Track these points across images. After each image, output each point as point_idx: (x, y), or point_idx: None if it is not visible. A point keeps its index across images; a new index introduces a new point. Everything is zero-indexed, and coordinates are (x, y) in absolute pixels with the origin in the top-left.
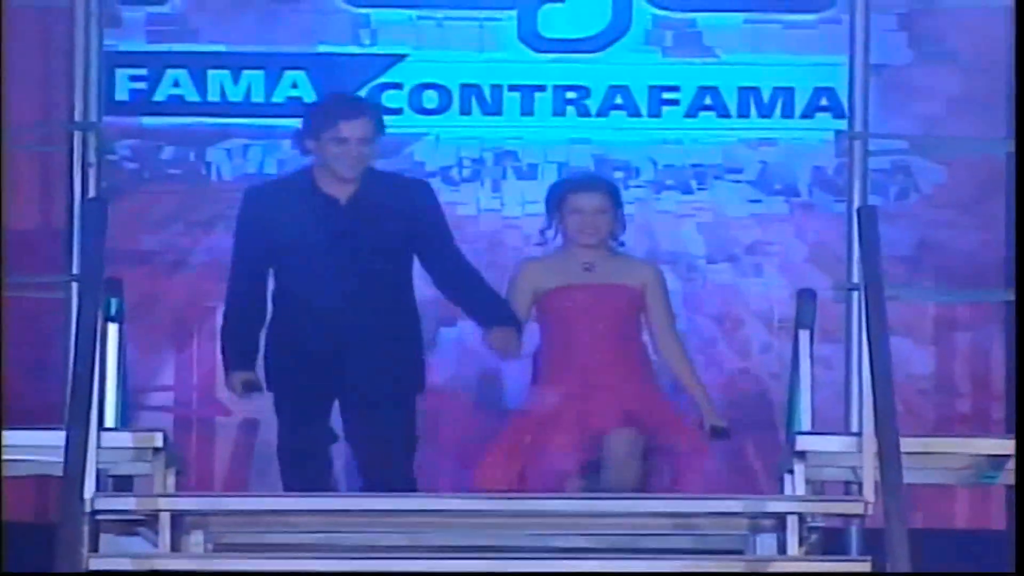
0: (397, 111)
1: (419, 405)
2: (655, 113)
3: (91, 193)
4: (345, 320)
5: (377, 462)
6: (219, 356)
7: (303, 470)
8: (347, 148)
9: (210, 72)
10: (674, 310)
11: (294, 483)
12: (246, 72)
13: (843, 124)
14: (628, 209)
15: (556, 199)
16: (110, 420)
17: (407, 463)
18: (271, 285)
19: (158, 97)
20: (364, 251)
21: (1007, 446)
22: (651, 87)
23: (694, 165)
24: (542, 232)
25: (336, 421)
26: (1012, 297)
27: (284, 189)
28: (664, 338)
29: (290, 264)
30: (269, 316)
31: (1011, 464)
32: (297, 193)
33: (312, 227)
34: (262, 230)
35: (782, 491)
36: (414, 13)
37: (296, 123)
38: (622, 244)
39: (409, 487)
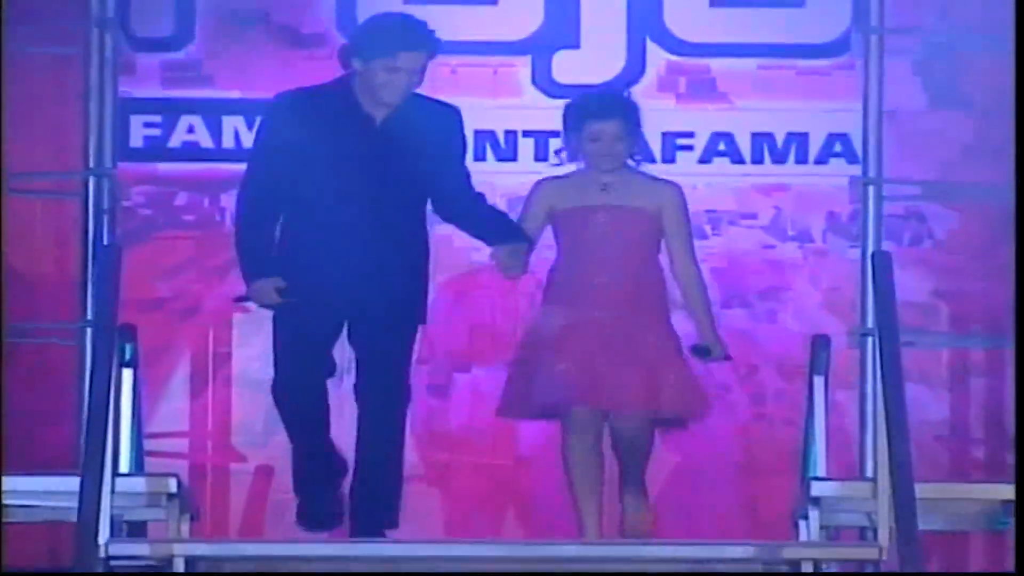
0: None
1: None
2: (669, 159)
3: (105, 239)
4: (363, 246)
5: (379, 382)
6: (234, 396)
7: (300, 405)
8: (398, 76)
9: (225, 118)
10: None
11: (291, 418)
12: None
13: (857, 170)
14: None
15: (573, 122)
16: (124, 466)
17: (406, 383)
18: (286, 203)
19: (173, 143)
20: (391, 176)
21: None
22: (665, 133)
23: (708, 210)
24: (557, 153)
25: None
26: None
27: (320, 100)
28: (679, 261)
29: (313, 178)
30: (280, 231)
31: None
32: (333, 106)
33: (344, 144)
34: (291, 137)
35: (797, 537)
36: None
37: None
38: (638, 162)
39: (404, 401)
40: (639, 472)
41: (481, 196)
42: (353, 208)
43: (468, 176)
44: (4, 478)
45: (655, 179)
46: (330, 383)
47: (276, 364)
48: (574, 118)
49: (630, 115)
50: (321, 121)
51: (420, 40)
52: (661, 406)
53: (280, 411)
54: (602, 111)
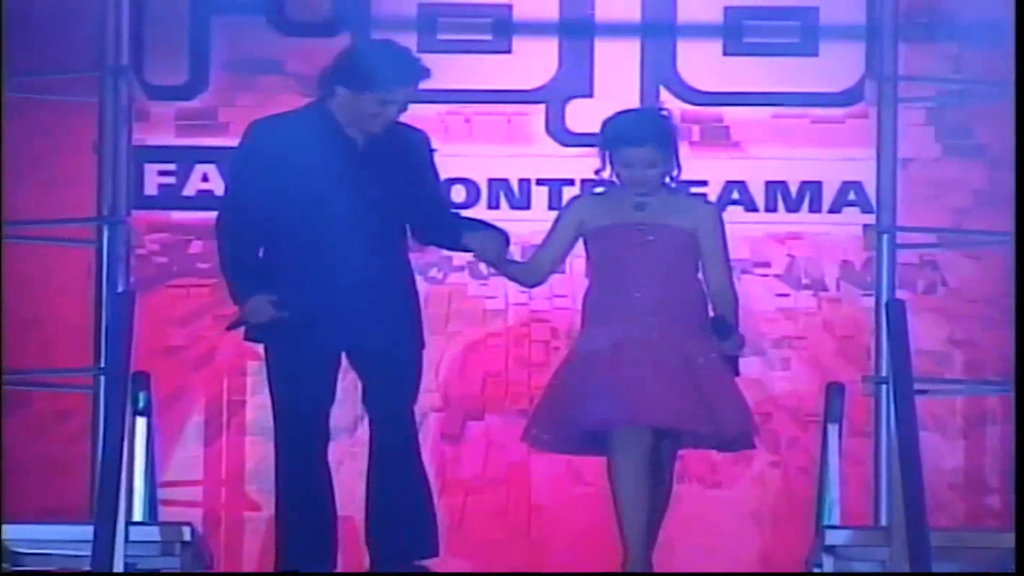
0: None
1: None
2: None
3: (120, 287)
4: (354, 272)
5: (392, 409)
6: (247, 444)
7: (302, 443)
8: (390, 109)
9: None
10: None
11: (291, 462)
12: None
13: (871, 218)
14: None
15: (606, 143)
16: (138, 514)
17: (412, 408)
18: (269, 229)
19: (187, 191)
20: (375, 200)
21: None
22: (679, 181)
23: None
24: (597, 172)
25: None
26: None
27: (297, 124)
28: (715, 281)
29: (295, 204)
30: (264, 260)
31: None
32: (313, 130)
33: (327, 168)
34: (270, 164)
35: None
36: (442, 108)
37: None
38: (675, 180)
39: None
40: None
41: (457, 212)
42: (340, 234)
43: (446, 195)
44: (17, 527)
45: (692, 197)
46: (343, 432)
47: (276, 395)
48: (608, 140)
49: (663, 138)
50: (301, 146)
51: (415, 74)
52: (711, 426)
53: (278, 444)
54: (634, 137)
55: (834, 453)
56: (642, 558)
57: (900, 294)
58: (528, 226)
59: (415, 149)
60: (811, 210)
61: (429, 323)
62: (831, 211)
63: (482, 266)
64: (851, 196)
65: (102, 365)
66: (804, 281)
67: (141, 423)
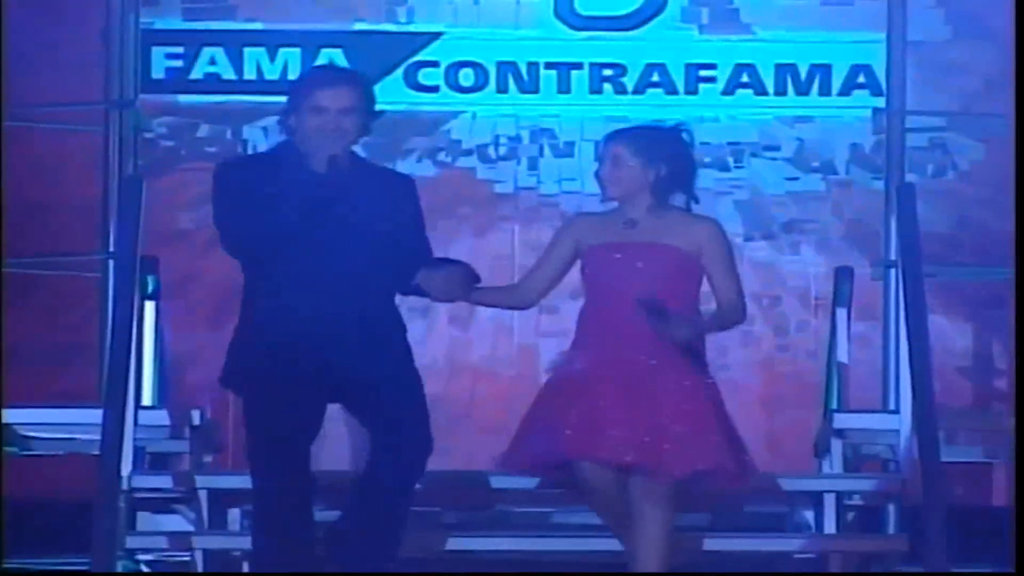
0: (434, 89)
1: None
2: (692, 91)
3: (128, 171)
4: (330, 316)
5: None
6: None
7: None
8: (326, 119)
9: (247, 50)
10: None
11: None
12: (283, 50)
13: (881, 101)
14: None
15: (598, 152)
16: (147, 398)
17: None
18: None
19: (194, 75)
20: (348, 237)
21: None
22: (688, 65)
23: (731, 143)
24: (596, 173)
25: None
26: None
27: (264, 162)
28: (726, 300)
29: (269, 245)
30: (243, 309)
31: None
32: (279, 165)
33: (293, 200)
34: (241, 202)
35: (819, 469)
36: None
37: None
38: (665, 199)
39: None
40: (656, 550)
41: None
42: (313, 273)
43: (428, 244)
44: (27, 410)
45: (692, 216)
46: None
47: (256, 442)
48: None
49: (641, 142)
50: (269, 182)
51: (339, 78)
52: (686, 467)
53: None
54: (614, 134)
55: (843, 337)
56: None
57: (909, 178)
58: (537, 109)
59: (396, 195)
60: (821, 93)
61: (439, 208)
62: (841, 94)
63: (490, 150)
64: (861, 79)
65: (111, 250)
66: (813, 164)
67: (150, 307)
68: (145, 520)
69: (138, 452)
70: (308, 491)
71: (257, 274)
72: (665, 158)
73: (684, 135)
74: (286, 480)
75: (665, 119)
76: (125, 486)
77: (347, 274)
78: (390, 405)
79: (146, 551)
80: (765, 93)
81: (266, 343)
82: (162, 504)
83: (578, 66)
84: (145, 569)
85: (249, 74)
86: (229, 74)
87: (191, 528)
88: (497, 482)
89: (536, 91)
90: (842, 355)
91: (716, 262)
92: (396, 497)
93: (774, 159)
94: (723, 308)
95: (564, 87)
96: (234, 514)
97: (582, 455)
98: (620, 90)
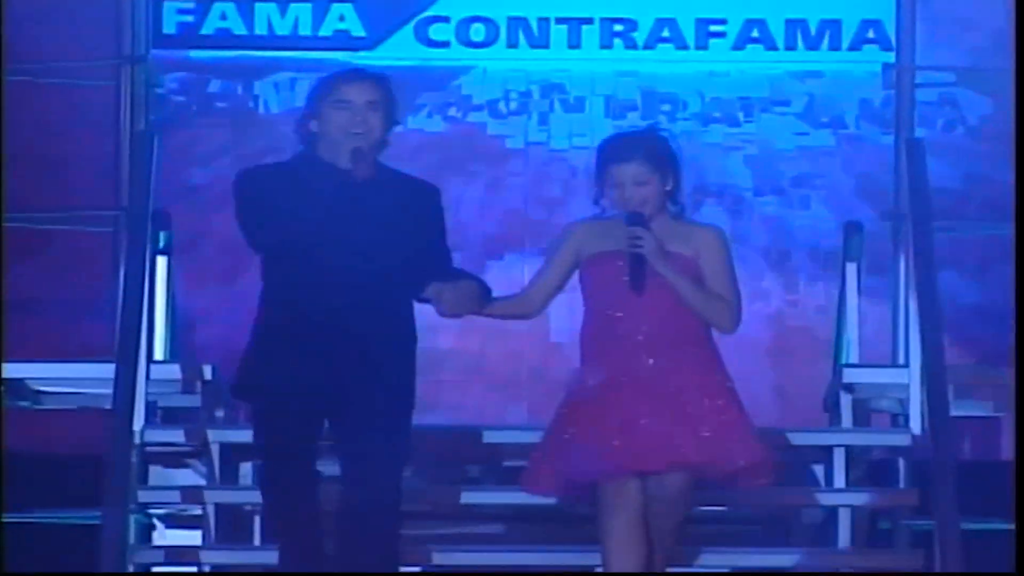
0: (444, 44)
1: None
2: (702, 45)
3: (140, 126)
4: (353, 324)
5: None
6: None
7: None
8: (352, 112)
9: (257, 5)
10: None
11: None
12: (293, 5)
13: (890, 56)
14: None
15: (599, 166)
16: (159, 352)
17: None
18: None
19: (206, 30)
20: (371, 246)
21: None
22: (698, 20)
23: (741, 98)
24: (596, 202)
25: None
26: None
27: (285, 171)
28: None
29: (289, 252)
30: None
31: None
32: (302, 173)
33: (319, 207)
34: (262, 210)
35: (829, 423)
36: None
37: (345, 56)
38: (682, 208)
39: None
40: (672, 538)
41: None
42: (336, 282)
43: (449, 255)
44: (39, 365)
45: (694, 224)
46: None
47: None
48: (598, 160)
49: (657, 157)
50: (291, 190)
51: (362, 72)
52: (716, 461)
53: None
54: (622, 154)
55: (852, 291)
56: None
57: (919, 132)
58: (547, 64)
59: (421, 203)
60: (831, 48)
61: (449, 164)
62: (851, 49)
63: (501, 106)
64: (871, 34)
65: (123, 205)
66: (823, 119)
67: (162, 262)
68: (157, 474)
69: (150, 407)
70: (313, 495)
71: (275, 280)
72: (675, 166)
73: (671, 138)
74: (291, 488)
75: (641, 125)
76: (137, 440)
77: (365, 282)
78: (380, 419)
79: (158, 505)
80: (775, 48)
81: (277, 353)
82: (174, 458)
83: (588, 21)
84: (157, 523)
85: (260, 29)
86: (240, 29)
87: (203, 482)
88: (492, 436)
89: (546, 46)
90: (852, 310)
91: (713, 267)
92: (384, 514)
93: (784, 114)
94: (714, 299)
95: (574, 42)
96: (246, 468)
97: (602, 473)
98: (630, 45)
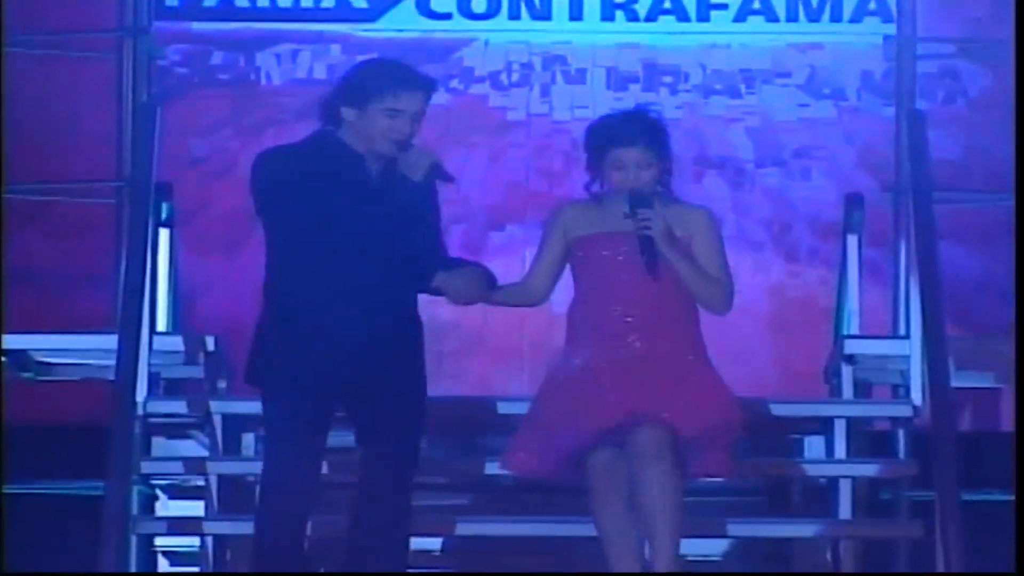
0: (446, 16)
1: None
2: (704, 17)
3: (142, 98)
4: (363, 313)
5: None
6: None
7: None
8: (400, 121)
9: None
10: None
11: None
12: None
13: (891, 28)
14: (676, 114)
15: (596, 149)
16: (162, 324)
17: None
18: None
19: (208, 2)
20: (387, 236)
21: None
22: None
23: (742, 69)
24: (587, 187)
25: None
26: None
27: (305, 155)
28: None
29: (305, 237)
30: (265, 297)
31: None
32: (326, 160)
33: (342, 199)
34: (282, 194)
35: (829, 395)
36: None
37: (347, 28)
38: (667, 186)
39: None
40: (671, 528)
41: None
42: (348, 272)
43: (446, 247)
44: (43, 336)
45: (684, 205)
46: None
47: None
48: (596, 145)
49: (657, 141)
50: (314, 176)
51: (419, 80)
52: (688, 419)
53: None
54: (624, 137)
55: (853, 263)
56: None
57: (920, 104)
58: (549, 36)
59: (421, 191)
60: (832, 19)
61: (451, 136)
62: (852, 20)
63: (503, 77)
64: (872, 6)
65: (126, 176)
66: (824, 91)
67: (164, 234)
68: (160, 445)
69: (153, 378)
70: (314, 485)
71: (279, 263)
72: (666, 147)
73: (662, 119)
74: (295, 475)
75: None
76: (140, 412)
77: (375, 279)
78: (391, 415)
79: (161, 476)
80: (776, 20)
81: (286, 340)
82: (177, 429)
83: None
84: (160, 494)
85: (262, 1)
86: (242, 1)
87: (205, 453)
88: (505, 408)
89: (548, 18)
90: (852, 281)
91: (705, 248)
92: (396, 508)
93: (785, 86)
94: (712, 281)
95: (576, 14)
96: (248, 439)
97: (589, 441)
98: (632, 17)
